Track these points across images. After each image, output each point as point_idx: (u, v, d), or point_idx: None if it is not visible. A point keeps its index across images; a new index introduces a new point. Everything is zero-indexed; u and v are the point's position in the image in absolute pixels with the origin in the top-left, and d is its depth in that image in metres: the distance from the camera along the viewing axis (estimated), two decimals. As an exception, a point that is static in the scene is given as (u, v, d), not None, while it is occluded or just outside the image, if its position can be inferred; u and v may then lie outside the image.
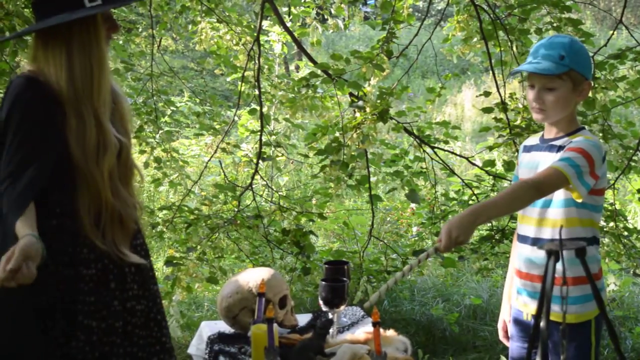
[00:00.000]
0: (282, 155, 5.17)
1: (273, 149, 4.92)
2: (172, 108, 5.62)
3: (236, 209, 4.47)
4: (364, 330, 2.48)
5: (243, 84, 4.80)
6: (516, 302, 2.36)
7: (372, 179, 4.56)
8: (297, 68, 9.28)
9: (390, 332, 2.44)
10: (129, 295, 2.06)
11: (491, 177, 4.48)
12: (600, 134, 4.05)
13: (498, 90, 4.29)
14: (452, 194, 4.86)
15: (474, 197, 4.53)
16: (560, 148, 2.17)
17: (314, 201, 5.10)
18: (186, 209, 4.49)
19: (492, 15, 4.26)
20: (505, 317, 2.48)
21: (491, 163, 4.46)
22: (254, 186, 4.70)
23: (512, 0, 4.31)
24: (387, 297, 5.05)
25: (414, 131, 4.32)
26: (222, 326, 2.67)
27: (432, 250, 2.00)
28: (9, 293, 1.83)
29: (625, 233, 4.47)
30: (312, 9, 4.90)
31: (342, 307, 2.52)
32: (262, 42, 4.88)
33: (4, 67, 4.33)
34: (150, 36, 5.84)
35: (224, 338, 2.58)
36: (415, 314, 4.87)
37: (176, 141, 7.40)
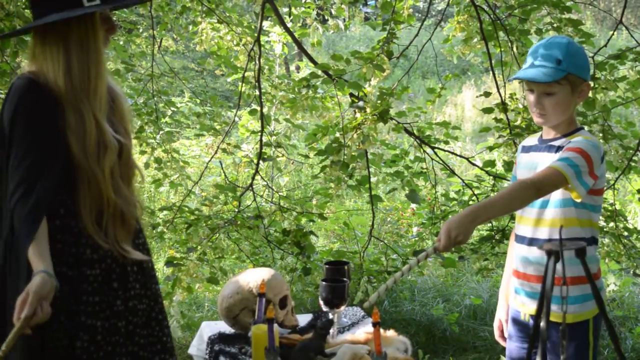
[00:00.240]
0: (283, 155, 5.18)
1: (273, 149, 4.92)
2: (172, 109, 5.62)
3: (236, 210, 4.48)
4: (364, 331, 2.49)
5: (243, 84, 4.81)
6: (514, 302, 2.36)
7: (373, 179, 4.56)
8: (298, 68, 9.29)
9: (391, 333, 2.44)
10: (131, 295, 2.07)
11: (491, 177, 4.48)
12: (601, 134, 4.05)
13: (498, 91, 4.29)
14: (452, 194, 4.87)
15: (474, 198, 4.53)
16: (559, 148, 2.18)
17: (315, 201, 5.10)
18: (187, 209, 4.50)
19: (492, 16, 4.26)
20: (501, 316, 2.49)
21: (491, 163, 4.47)
22: (254, 187, 4.70)
23: (512, 0, 4.31)
24: (388, 298, 5.06)
25: (414, 131, 4.33)
26: (223, 326, 2.68)
27: (431, 250, 1.99)
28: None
29: (625, 233, 4.47)
30: (313, 10, 4.90)
31: (342, 308, 2.52)
32: (262, 43, 4.89)
33: (5, 67, 4.34)
34: (151, 37, 5.85)
35: (224, 338, 2.58)
36: (415, 314, 4.87)
37: (177, 142, 7.41)
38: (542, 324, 1.63)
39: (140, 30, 6.84)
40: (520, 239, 2.29)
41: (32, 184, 1.86)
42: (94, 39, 1.98)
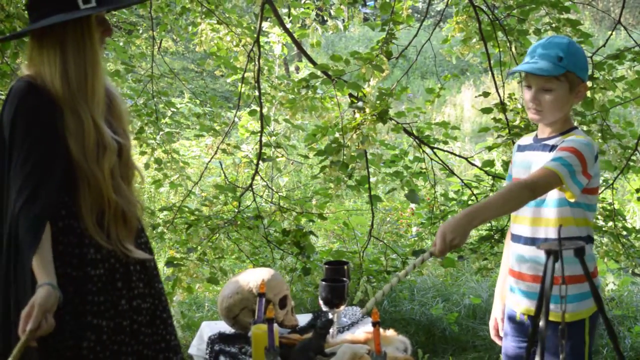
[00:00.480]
0: (282, 156, 5.19)
1: (273, 149, 4.93)
2: (172, 109, 5.63)
3: (236, 210, 4.48)
4: (364, 330, 2.49)
5: (243, 85, 4.81)
6: (509, 301, 2.37)
7: (372, 179, 4.57)
8: (297, 69, 9.30)
9: (390, 332, 2.45)
10: (135, 294, 2.08)
11: (490, 177, 4.49)
12: (599, 134, 4.06)
13: (497, 91, 4.30)
14: (451, 194, 4.87)
15: (473, 198, 4.54)
16: (553, 147, 2.19)
17: (314, 202, 5.11)
18: (187, 209, 4.51)
19: (491, 16, 4.27)
20: (497, 315, 2.50)
21: (490, 163, 4.48)
22: (254, 187, 4.71)
23: (510, 1, 4.32)
24: (387, 297, 5.06)
25: (414, 132, 4.33)
26: (223, 326, 2.69)
27: (427, 255, 1.98)
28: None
29: (624, 232, 4.48)
30: (312, 10, 4.91)
31: (342, 307, 2.53)
32: (262, 44, 4.90)
33: (5, 69, 4.35)
34: (151, 38, 5.86)
35: (224, 338, 2.59)
36: (415, 314, 4.88)
37: (177, 142, 7.41)
38: (542, 323, 1.64)
39: (140, 32, 6.85)
40: (516, 238, 2.31)
41: (34, 189, 1.87)
42: (90, 41, 1.99)
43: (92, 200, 1.98)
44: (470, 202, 4.56)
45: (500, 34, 4.20)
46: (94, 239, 1.98)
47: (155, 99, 5.35)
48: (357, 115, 3.96)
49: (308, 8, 4.90)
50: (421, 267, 5.09)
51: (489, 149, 4.30)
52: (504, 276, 2.45)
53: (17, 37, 2.22)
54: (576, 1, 4.78)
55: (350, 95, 4.13)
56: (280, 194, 5.12)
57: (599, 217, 4.48)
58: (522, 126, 4.03)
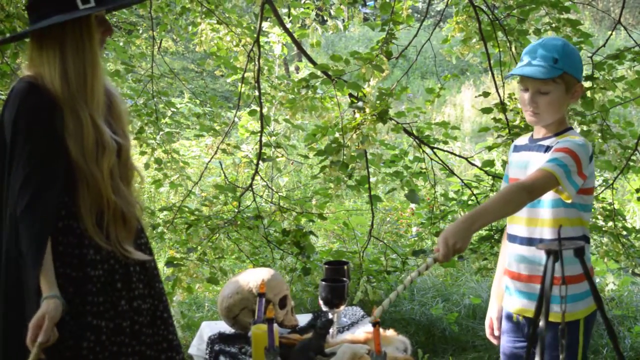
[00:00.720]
0: (282, 156, 5.19)
1: (273, 149, 4.93)
2: (172, 109, 5.63)
3: (236, 210, 4.48)
4: (363, 330, 2.49)
5: (243, 85, 4.81)
6: (506, 301, 2.38)
7: (372, 179, 4.57)
8: (297, 69, 9.30)
9: (390, 332, 2.45)
10: (135, 295, 2.08)
11: (490, 177, 4.49)
12: (599, 134, 4.06)
13: (497, 91, 4.30)
14: (451, 194, 4.88)
15: (473, 198, 4.54)
16: (548, 148, 2.20)
17: (314, 202, 5.11)
18: (187, 209, 4.51)
19: (491, 16, 4.27)
20: (492, 314, 2.50)
21: (490, 163, 4.48)
22: (254, 187, 4.71)
23: (510, 1, 4.32)
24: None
25: (414, 132, 4.33)
26: (223, 326, 2.69)
27: (431, 261, 1.98)
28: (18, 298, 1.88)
29: (624, 232, 4.48)
30: (312, 10, 4.91)
31: (342, 307, 2.53)
32: (262, 44, 4.90)
33: (5, 69, 4.35)
34: (151, 38, 5.86)
35: (224, 338, 2.59)
36: (415, 314, 4.88)
37: (177, 142, 7.41)
38: (541, 323, 1.64)
39: (140, 32, 6.85)
40: (512, 238, 2.31)
41: (36, 192, 1.87)
42: (89, 42, 1.99)
43: (92, 201, 1.98)
44: (470, 202, 4.56)
45: (500, 34, 4.21)
46: (93, 239, 1.98)
47: (155, 99, 5.35)
48: (357, 115, 3.96)
49: (308, 8, 4.90)
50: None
51: (489, 149, 4.30)
52: (500, 276, 2.46)
53: (17, 38, 2.22)
54: (576, 1, 4.79)
55: (350, 95, 4.13)
56: (280, 194, 5.12)
57: (599, 217, 4.48)
58: (522, 126, 4.03)
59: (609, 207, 4.47)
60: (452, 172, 4.63)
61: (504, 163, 4.15)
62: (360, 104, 3.93)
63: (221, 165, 5.59)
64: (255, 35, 4.74)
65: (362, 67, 3.95)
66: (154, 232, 4.44)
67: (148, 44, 6.43)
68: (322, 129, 4.14)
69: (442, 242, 1.95)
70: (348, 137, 3.92)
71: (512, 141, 4.05)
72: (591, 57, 4.03)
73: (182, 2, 5.34)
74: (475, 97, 7.35)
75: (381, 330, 2.17)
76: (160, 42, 6.74)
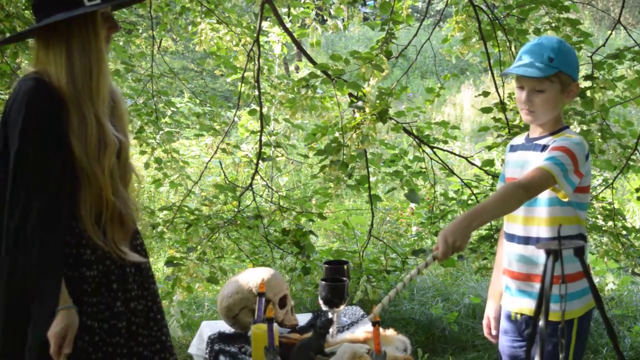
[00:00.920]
0: (282, 155, 5.19)
1: (273, 149, 4.93)
2: (172, 109, 5.63)
3: (236, 209, 4.48)
4: (363, 330, 2.50)
5: (243, 84, 4.81)
6: (504, 300, 2.38)
7: (372, 179, 4.57)
8: (297, 69, 9.30)
9: (390, 332, 2.46)
10: (132, 296, 2.08)
11: (490, 176, 4.49)
12: (599, 134, 4.06)
13: (497, 90, 4.30)
14: (451, 194, 4.88)
15: (473, 197, 4.54)
16: (544, 147, 2.21)
17: (314, 201, 5.11)
18: (186, 209, 4.51)
19: (490, 16, 4.27)
20: (490, 314, 2.51)
21: (490, 163, 4.48)
22: (254, 186, 4.71)
23: (510, 0, 4.32)
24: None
25: (413, 131, 4.34)
26: (223, 326, 2.69)
27: (431, 259, 2.00)
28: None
29: (624, 232, 4.48)
30: (312, 10, 4.91)
31: (341, 307, 2.53)
32: (261, 43, 4.90)
33: (5, 68, 4.35)
34: (151, 37, 5.86)
35: (224, 338, 2.59)
36: (414, 313, 4.88)
37: (176, 142, 7.41)
38: (541, 323, 1.64)
39: (140, 31, 6.85)
40: (509, 237, 2.32)
41: (49, 208, 1.88)
42: (95, 39, 1.98)
43: (92, 200, 1.97)
44: (470, 202, 4.56)
45: (500, 33, 4.21)
46: (91, 240, 1.97)
47: (155, 99, 5.35)
48: (357, 114, 3.96)
49: (308, 7, 4.91)
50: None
51: (489, 148, 4.30)
52: (497, 275, 2.47)
53: (23, 37, 2.21)
54: (576, 1, 4.79)
55: (350, 94, 4.13)
56: (280, 193, 5.12)
57: (599, 216, 4.48)
58: (522, 126, 4.03)
59: (608, 207, 4.47)
60: (451, 172, 4.63)
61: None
62: (360, 103, 3.93)
63: (221, 164, 5.58)
64: (255, 35, 4.74)
65: (362, 67, 3.95)
66: (154, 231, 4.44)
67: (148, 43, 6.43)
68: (322, 128, 4.14)
69: (442, 240, 1.96)
70: (348, 137, 3.92)
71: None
72: (591, 57, 4.03)
73: (182, 1, 5.34)
74: (475, 96, 7.36)
75: (381, 329, 2.18)
76: (160, 42, 6.74)
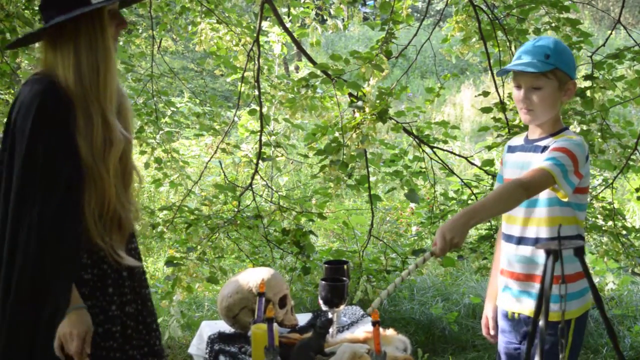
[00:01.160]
0: (282, 155, 5.19)
1: (273, 149, 4.93)
2: (172, 109, 5.63)
3: (236, 209, 4.48)
4: (363, 330, 2.50)
5: (243, 84, 4.81)
6: (501, 301, 2.38)
7: (372, 178, 4.57)
8: (297, 68, 9.29)
9: (390, 332, 2.45)
10: (127, 300, 2.08)
11: (490, 176, 4.49)
12: (599, 134, 4.06)
13: (497, 90, 4.30)
14: (451, 194, 4.88)
15: (473, 197, 4.54)
16: (544, 148, 2.21)
17: (314, 201, 5.11)
18: (186, 209, 4.51)
19: (490, 16, 4.27)
20: (488, 313, 2.51)
21: (490, 162, 4.48)
22: (253, 186, 4.71)
23: (510, 0, 4.33)
24: (387, 297, 5.06)
25: (413, 131, 4.34)
26: (223, 326, 2.69)
27: (428, 255, 2.01)
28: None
29: (624, 232, 4.48)
30: (312, 10, 4.91)
31: (341, 307, 2.53)
32: (261, 43, 4.90)
33: (5, 68, 4.35)
34: (151, 37, 5.86)
35: (224, 338, 2.59)
36: (414, 313, 4.88)
37: (176, 142, 7.42)
38: (541, 323, 1.64)
39: (140, 31, 6.85)
40: (508, 238, 2.32)
41: (62, 215, 1.88)
42: (102, 37, 1.97)
43: (96, 201, 1.97)
44: (470, 202, 4.56)
45: (500, 33, 4.21)
46: (88, 242, 1.96)
47: (155, 98, 5.35)
48: (357, 114, 3.96)
49: (308, 7, 4.91)
50: (422, 267, 5.10)
51: (489, 148, 4.30)
52: (496, 275, 2.47)
53: (30, 40, 2.20)
54: (576, 0, 4.79)
55: (350, 94, 4.13)
56: (280, 193, 5.12)
57: (599, 216, 4.48)
58: (522, 125, 4.03)
59: (608, 207, 4.47)
60: (451, 172, 4.63)
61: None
62: (359, 103, 3.93)
63: (221, 164, 5.58)
64: (255, 35, 4.74)
65: (362, 67, 3.95)
66: (154, 231, 4.44)
67: (148, 43, 6.43)
68: (321, 128, 4.14)
69: (440, 236, 1.97)
70: (348, 137, 3.92)
71: (511, 141, 4.06)
72: (591, 57, 4.03)
73: (182, 1, 5.34)
74: (475, 96, 7.35)
75: (381, 329, 2.17)
76: (160, 42, 6.74)
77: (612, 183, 4.60)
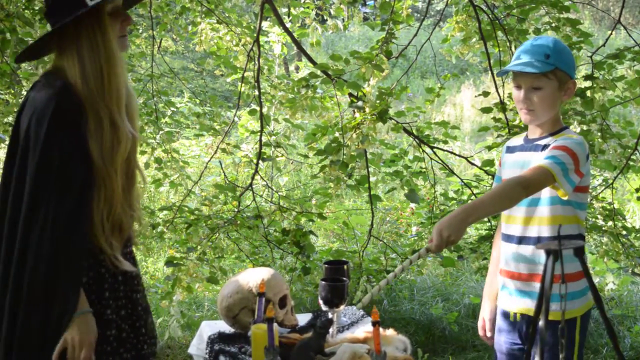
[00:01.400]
0: (282, 155, 5.19)
1: (273, 149, 4.93)
2: (172, 109, 5.63)
3: (236, 209, 4.48)
4: (363, 330, 2.49)
5: (243, 84, 4.81)
6: (501, 301, 2.38)
7: (372, 179, 4.57)
8: (297, 69, 9.29)
9: (390, 332, 2.45)
10: (122, 304, 2.08)
11: (490, 176, 4.49)
12: (599, 134, 4.06)
13: (497, 90, 4.30)
14: (451, 194, 4.88)
15: (473, 197, 4.54)
16: (544, 147, 2.21)
17: (314, 201, 5.11)
18: (186, 209, 4.51)
19: (490, 16, 4.27)
20: (485, 315, 2.50)
21: (490, 163, 4.48)
22: (254, 186, 4.71)
23: (510, 0, 4.33)
24: (387, 297, 5.07)
25: (413, 131, 4.34)
26: (223, 326, 2.69)
27: (424, 251, 2.00)
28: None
29: (624, 232, 4.48)
30: (312, 10, 4.91)
31: (341, 307, 2.53)
32: (261, 43, 4.90)
33: (5, 68, 4.35)
34: (151, 37, 5.86)
35: (224, 338, 2.59)
36: (414, 314, 4.88)
37: (176, 142, 7.42)
38: (541, 323, 1.64)
39: (140, 31, 6.85)
40: (508, 238, 2.31)
41: (76, 218, 1.88)
42: (103, 38, 1.96)
43: (104, 203, 1.97)
44: (469, 202, 4.56)
45: (500, 33, 4.21)
46: (92, 245, 1.97)
47: (155, 99, 5.35)
48: (357, 114, 3.96)
49: (308, 7, 4.91)
50: (421, 267, 5.10)
51: (489, 148, 4.30)
52: (493, 276, 2.46)
53: (40, 53, 2.20)
54: (576, 1, 4.79)
55: (350, 94, 4.13)
56: (280, 193, 5.12)
57: (599, 216, 4.48)
58: (522, 126, 4.03)
59: (608, 207, 4.47)
60: (451, 172, 4.63)
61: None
62: (360, 103, 3.93)
63: (221, 164, 5.58)
64: (255, 35, 4.74)
65: (362, 67, 3.95)
66: (154, 231, 4.44)
67: (148, 43, 6.43)
68: (322, 128, 4.14)
69: (436, 233, 1.95)
70: (348, 137, 3.92)
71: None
72: (591, 57, 4.03)
73: (182, 1, 5.34)
74: (475, 96, 7.36)
75: (381, 329, 2.17)
76: (160, 42, 6.74)
77: (612, 183, 4.60)
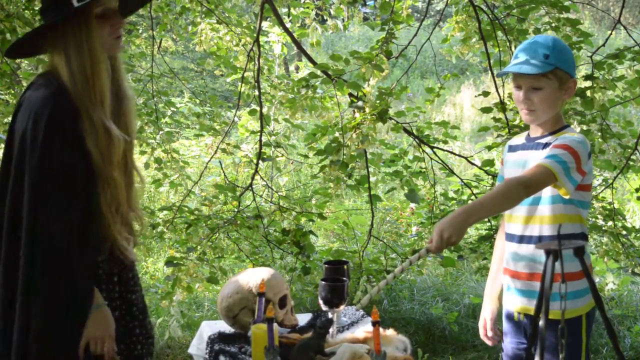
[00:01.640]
0: (282, 155, 5.19)
1: (273, 149, 4.93)
2: (172, 109, 5.63)
3: (236, 209, 4.48)
4: (363, 330, 2.49)
5: (243, 84, 4.81)
6: (505, 301, 2.38)
7: (372, 179, 4.57)
8: (297, 69, 9.29)
9: (390, 332, 2.45)
10: (117, 305, 2.09)
11: (490, 176, 4.49)
12: (599, 134, 4.06)
13: (497, 90, 4.30)
14: (451, 194, 4.88)
15: (473, 197, 4.54)
16: (546, 145, 2.20)
17: (314, 201, 5.11)
18: (186, 209, 4.51)
19: (490, 16, 4.27)
20: (486, 315, 2.50)
21: (490, 163, 4.48)
22: (254, 186, 4.71)
23: (510, 0, 4.33)
24: (387, 297, 5.07)
25: (413, 131, 4.34)
26: (223, 326, 2.69)
27: (424, 251, 1.99)
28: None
29: (624, 232, 4.48)
30: (312, 10, 4.91)
31: (341, 307, 2.53)
32: (261, 43, 4.90)
33: (5, 68, 4.35)
34: (151, 37, 5.86)
35: (224, 338, 2.59)
36: (414, 313, 4.88)
37: (176, 142, 7.41)
38: (541, 323, 1.64)
39: (140, 31, 6.85)
40: (510, 237, 2.31)
41: (83, 221, 1.90)
42: (88, 40, 1.96)
43: (111, 198, 1.98)
44: (469, 202, 4.56)
45: (500, 33, 4.21)
46: (104, 240, 1.99)
47: (155, 99, 5.35)
48: (357, 114, 3.96)
49: (308, 7, 4.90)
50: (421, 267, 5.09)
51: (489, 148, 4.30)
52: (494, 276, 2.46)
53: (32, 50, 2.20)
54: (576, 1, 4.79)
55: (350, 94, 4.13)
56: (280, 193, 5.12)
57: (599, 216, 4.48)
58: (522, 125, 4.03)
59: (608, 207, 4.47)
60: (451, 172, 4.63)
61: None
62: (360, 103, 3.93)
63: (221, 164, 5.58)
64: (255, 35, 4.74)
65: (362, 67, 3.95)
66: (154, 231, 4.44)
67: (148, 43, 6.43)
68: (322, 128, 4.14)
69: (437, 233, 1.95)
70: (348, 137, 3.92)
71: (511, 141, 4.06)
72: (591, 57, 4.03)
73: (182, 1, 5.34)
74: (475, 96, 7.35)
75: (381, 329, 2.17)
76: (160, 42, 6.74)
77: (612, 183, 4.60)
